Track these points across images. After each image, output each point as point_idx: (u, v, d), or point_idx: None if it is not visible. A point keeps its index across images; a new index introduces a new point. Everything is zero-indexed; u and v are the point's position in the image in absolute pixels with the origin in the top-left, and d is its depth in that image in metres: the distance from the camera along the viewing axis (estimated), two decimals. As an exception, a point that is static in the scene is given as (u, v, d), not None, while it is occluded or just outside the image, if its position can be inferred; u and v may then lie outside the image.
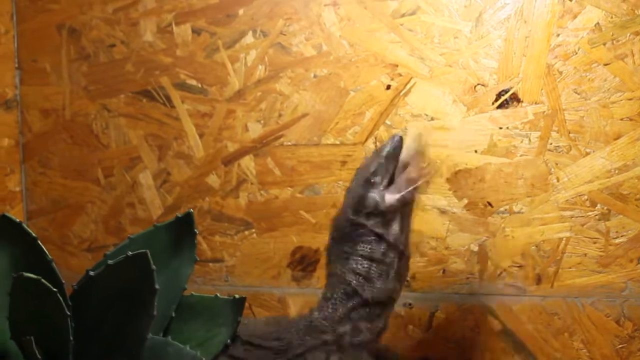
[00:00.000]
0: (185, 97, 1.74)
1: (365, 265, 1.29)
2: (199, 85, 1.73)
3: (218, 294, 1.41)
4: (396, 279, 1.30)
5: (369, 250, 1.29)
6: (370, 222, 1.28)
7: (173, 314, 1.37)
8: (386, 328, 1.33)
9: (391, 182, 1.28)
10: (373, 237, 1.28)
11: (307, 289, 1.44)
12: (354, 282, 1.30)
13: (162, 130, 1.77)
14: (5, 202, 1.86)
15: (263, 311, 1.68)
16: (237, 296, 1.37)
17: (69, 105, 1.85)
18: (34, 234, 1.27)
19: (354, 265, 1.30)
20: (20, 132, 1.89)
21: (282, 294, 1.69)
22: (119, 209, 1.82)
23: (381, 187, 1.28)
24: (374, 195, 1.28)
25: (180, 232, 1.39)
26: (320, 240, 1.65)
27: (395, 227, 1.29)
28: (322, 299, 1.35)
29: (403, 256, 1.30)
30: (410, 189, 1.27)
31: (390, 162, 1.28)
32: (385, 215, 1.27)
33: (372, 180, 1.28)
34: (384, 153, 1.28)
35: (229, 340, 1.34)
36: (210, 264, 1.75)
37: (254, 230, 1.71)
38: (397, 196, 1.27)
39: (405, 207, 1.28)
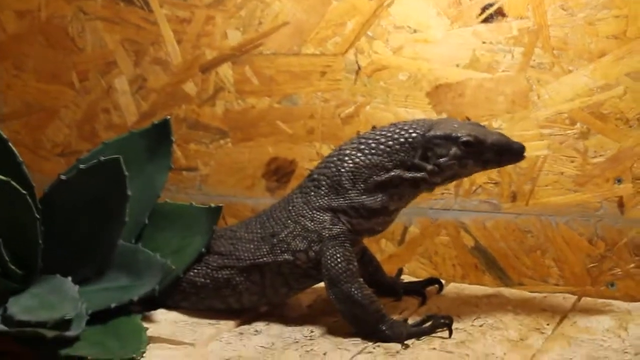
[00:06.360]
0: (164, 1, 1.71)
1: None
2: (178, -11, 1.70)
3: (193, 203, 1.41)
4: (398, 199, 1.30)
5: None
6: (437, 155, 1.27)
7: (146, 221, 1.37)
8: (375, 232, 1.33)
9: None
10: (418, 161, 1.27)
11: (282, 200, 1.43)
12: (345, 176, 1.29)
13: (139, 35, 1.74)
14: (-23, 104, 1.84)
15: (236, 221, 1.67)
16: (213, 205, 1.37)
17: (45, 7, 1.81)
18: (4, 136, 1.25)
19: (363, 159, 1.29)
20: (-6, 32, 1.85)
21: (256, 204, 1.69)
22: (94, 114, 1.80)
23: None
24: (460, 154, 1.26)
25: (156, 139, 1.39)
26: (297, 151, 1.64)
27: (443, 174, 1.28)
28: (307, 179, 1.35)
29: (417, 190, 1.30)
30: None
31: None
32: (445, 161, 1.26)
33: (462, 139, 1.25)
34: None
35: (203, 249, 1.34)
36: (184, 172, 1.73)
37: (229, 139, 1.69)
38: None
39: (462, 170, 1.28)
